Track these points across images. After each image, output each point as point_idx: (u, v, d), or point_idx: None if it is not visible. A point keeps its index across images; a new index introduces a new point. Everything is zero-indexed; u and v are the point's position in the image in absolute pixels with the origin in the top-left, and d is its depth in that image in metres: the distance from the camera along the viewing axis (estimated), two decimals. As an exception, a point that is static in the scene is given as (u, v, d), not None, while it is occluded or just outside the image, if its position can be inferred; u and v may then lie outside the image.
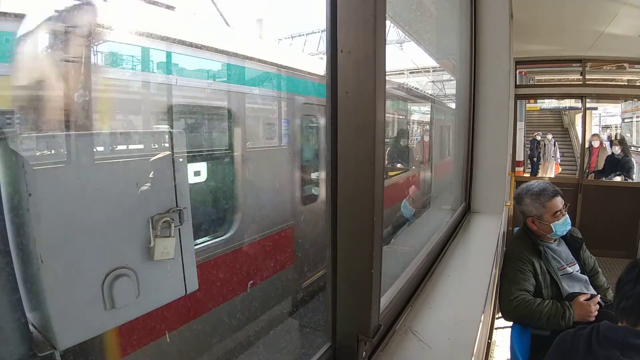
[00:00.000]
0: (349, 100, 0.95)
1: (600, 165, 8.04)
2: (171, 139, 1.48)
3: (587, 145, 7.99)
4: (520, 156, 7.18)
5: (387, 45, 1.02)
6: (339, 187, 1.00)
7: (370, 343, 1.06)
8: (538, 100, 14.05)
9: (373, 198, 0.96)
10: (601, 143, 8.53)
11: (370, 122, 0.93)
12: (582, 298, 2.21)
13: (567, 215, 2.45)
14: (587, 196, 6.10)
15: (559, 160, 12.48)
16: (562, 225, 2.42)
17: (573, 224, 2.53)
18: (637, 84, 7.41)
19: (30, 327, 1.01)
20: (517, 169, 6.89)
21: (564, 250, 2.51)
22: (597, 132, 9.47)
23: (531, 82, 7.77)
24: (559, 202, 2.44)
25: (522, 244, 2.47)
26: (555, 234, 2.43)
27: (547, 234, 2.45)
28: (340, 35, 0.94)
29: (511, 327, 2.40)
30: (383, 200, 1.03)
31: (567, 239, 2.54)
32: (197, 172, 3.33)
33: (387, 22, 1.05)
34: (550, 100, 14.01)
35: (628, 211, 5.82)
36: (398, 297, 1.39)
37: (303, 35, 13.24)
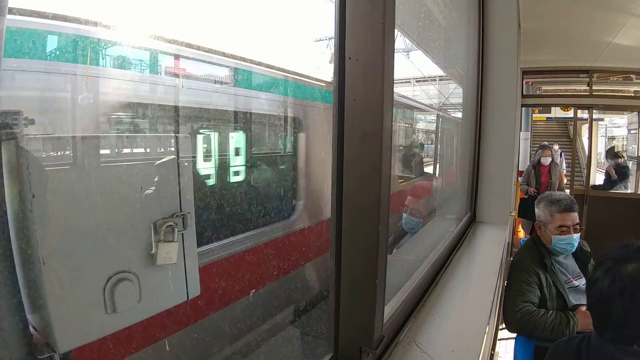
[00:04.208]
0: (357, 107, 0.94)
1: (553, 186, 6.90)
2: (177, 143, 1.48)
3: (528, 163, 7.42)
4: (526, 166, 7.13)
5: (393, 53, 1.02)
6: (344, 195, 0.99)
7: (373, 354, 1.04)
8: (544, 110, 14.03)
9: (379, 206, 0.95)
10: (552, 159, 6.87)
11: (378, 129, 0.92)
12: (584, 307, 2.18)
13: (573, 236, 2.38)
14: (592, 207, 6.06)
15: (564, 171, 12.38)
16: (563, 242, 2.38)
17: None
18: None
19: (31, 329, 1.00)
20: (521, 179, 6.84)
21: (570, 263, 2.48)
22: (548, 145, 7.39)
23: (538, 92, 7.75)
24: (569, 218, 2.38)
25: (529, 255, 2.44)
26: (553, 247, 2.40)
27: (547, 245, 2.42)
28: (349, 42, 0.94)
29: (515, 338, 2.38)
30: (389, 209, 1.02)
31: (576, 252, 2.50)
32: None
33: (395, 30, 1.04)
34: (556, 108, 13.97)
35: (634, 223, 5.76)
36: (402, 308, 1.38)
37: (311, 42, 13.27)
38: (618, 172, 7.35)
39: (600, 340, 1.41)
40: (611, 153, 7.85)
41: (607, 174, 7.39)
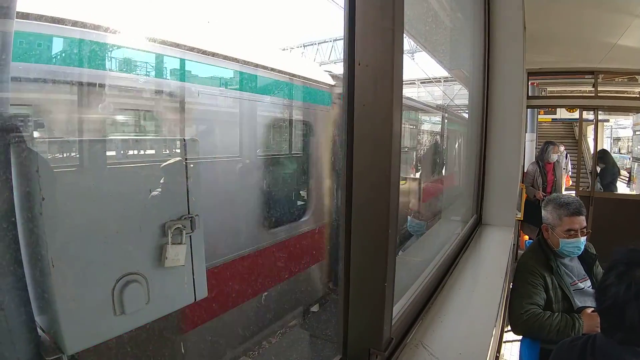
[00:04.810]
0: (366, 112, 0.95)
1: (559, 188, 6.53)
2: (184, 146, 1.49)
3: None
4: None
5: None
6: (354, 199, 1.00)
7: (381, 356, 1.04)
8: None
9: (388, 210, 0.95)
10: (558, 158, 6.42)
11: (387, 134, 0.93)
12: (589, 310, 2.18)
13: (581, 239, 2.38)
14: (598, 208, 6.03)
15: (570, 172, 12.27)
16: (570, 245, 2.37)
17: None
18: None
19: (39, 330, 1.01)
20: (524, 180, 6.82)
21: (576, 265, 2.47)
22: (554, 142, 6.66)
23: (543, 94, 7.73)
24: (577, 221, 2.38)
25: (535, 257, 2.44)
26: (560, 250, 2.39)
27: (554, 247, 2.42)
28: (358, 48, 0.95)
29: (520, 340, 2.37)
30: (398, 213, 1.02)
31: (582, 254, 2.50)
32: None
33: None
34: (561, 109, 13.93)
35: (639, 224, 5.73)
36: (409, 310, 1.38)
37: (315, 44, 13.30)
38: (606, 173, 7.21)
39: (607, 341, 1.42)
40: (602, 157, 7.55)
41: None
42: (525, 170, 6.46)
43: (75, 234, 1.13)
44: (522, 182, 6.03)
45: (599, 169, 7.16)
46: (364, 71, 0.94)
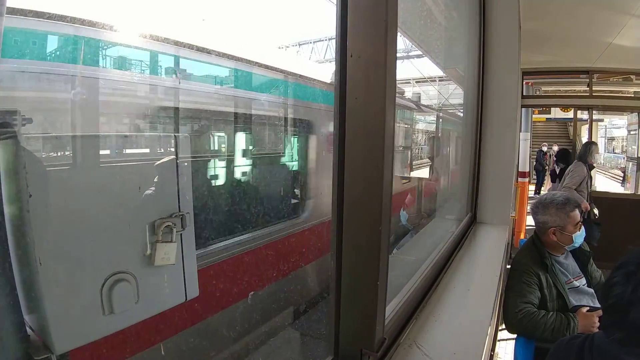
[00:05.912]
0: (358, 105, 0.93)
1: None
2: (176, 143, 1.46)
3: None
4: (525, 167, 7.10)
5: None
6: (346, 195, 0.98)
7: (374, 357, 1.03)
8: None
9: (380, 207, 0.93)
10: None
11: (380, 128, 0.91)
12: (584, 309, 2.18)
13: (583, 227, 2.44)
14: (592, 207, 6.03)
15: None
16: (581, 236, 2.41)
17: None
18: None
19: (28, 329, 0.99)
20: (522, 179, 6.83)
21: (571, 263, 2.47)
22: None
23: (538, 93, 7.74)
24: (578, 213, 2.44)
25: (529, 256, 2.43)
26: (573, 245, 2.41)
27: (565, 246, 2.41)
28: (350, 39, 0.93)
29: (515, 339, 2.37)
30: (391, 210, 1.00)
31: (576, 252, 2.50)
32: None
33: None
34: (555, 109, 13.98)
35: (635, 223, 5.74)
36: (403, 309, 1.36)
37: (310, 42, 13.27)
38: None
39: (606, 340, 1.40)
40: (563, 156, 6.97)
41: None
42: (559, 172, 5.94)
43: (63, 232, 1.11)
44: (518, 182, 5.98)
45: (558, 169, 7.05)
46: (356, 63, 0.92)
